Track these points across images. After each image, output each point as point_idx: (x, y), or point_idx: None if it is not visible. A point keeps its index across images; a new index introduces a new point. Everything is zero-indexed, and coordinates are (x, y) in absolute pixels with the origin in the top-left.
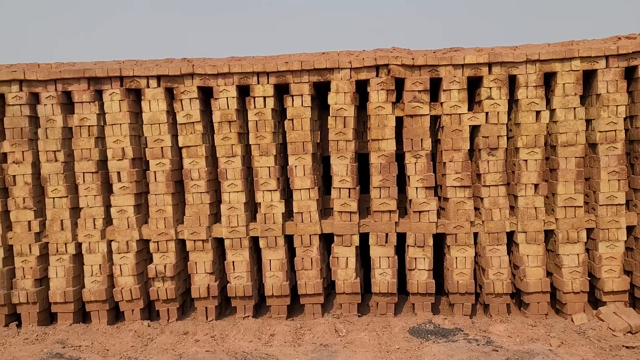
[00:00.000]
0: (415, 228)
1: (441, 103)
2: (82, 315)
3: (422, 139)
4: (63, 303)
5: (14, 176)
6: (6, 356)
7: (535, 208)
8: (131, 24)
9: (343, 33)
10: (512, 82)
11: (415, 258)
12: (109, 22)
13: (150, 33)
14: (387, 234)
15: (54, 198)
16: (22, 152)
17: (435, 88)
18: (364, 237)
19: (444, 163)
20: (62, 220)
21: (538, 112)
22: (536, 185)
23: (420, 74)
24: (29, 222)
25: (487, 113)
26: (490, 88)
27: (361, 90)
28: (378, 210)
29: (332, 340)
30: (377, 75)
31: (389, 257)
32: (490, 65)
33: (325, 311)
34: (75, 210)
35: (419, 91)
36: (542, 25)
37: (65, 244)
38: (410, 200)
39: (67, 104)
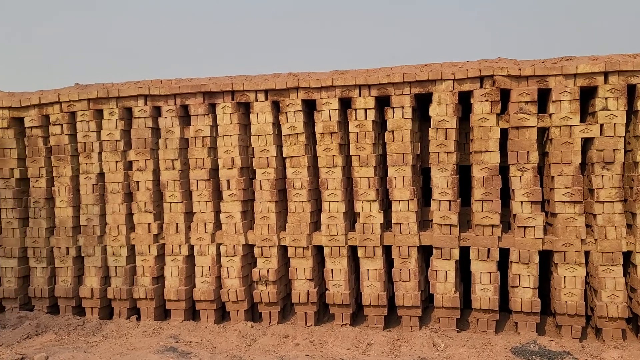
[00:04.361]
0: (519, 244)
1: (550, 114)
2: (192, 313)
3: (528, 152)
4: (176, 301)
5: (138, 182)
6: (128, 346)
7: None
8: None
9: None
10: (631, 92)
11: (519, 275)
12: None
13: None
14: (489, 249)
15: (170, 203)
16: (145, 160)
17: (542, 99)
18: (464, 251)
19: (552, 177)
20: (177, 224)
21: None
22: None
23: (527, 84)
24: (149, 224)
25: (601, 125)
26: (606, 98)
27: (463, 102)
28: (480, 224)
29: (429, 354)
30: (481, 87)
31: (490, 273)
32: (606, 74)
33: (422, 324)
34: (189, 215)
35: (526, 102)
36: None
37: (180, 245)
38: (515, 215)
39: (184, 117)
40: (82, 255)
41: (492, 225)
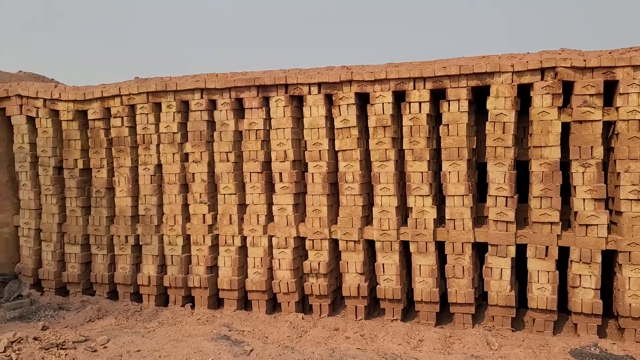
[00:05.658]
0: (580, 242)
1: (616, 108)
2: (244, 303)
3: (592, 147)
4: (229, 290)
5: (193, 174)
6: (183, 332)
7: None
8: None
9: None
10: None
11: (580, 275)
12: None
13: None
14: (547, 247)
15: (224, 195)
16: (201, 152)
17: (608, 91)
18: (520, 249)
19: (618, 173)
20: (230, 215)
21: None
22: None
23: (592, 76)
24: (204, 215)
25: None
26: None
27: (522, 95)
28: (538, 222)
29: (483, 353)
30: (542, 79)
31: (548, 272)
32: None
33: (475, 322)
34: (242, 207)
35: (591, 95)
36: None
37: (233, 236)
38: (576, 213)
39: (239, 110)
40: (140, 243)
41: (551, 223)
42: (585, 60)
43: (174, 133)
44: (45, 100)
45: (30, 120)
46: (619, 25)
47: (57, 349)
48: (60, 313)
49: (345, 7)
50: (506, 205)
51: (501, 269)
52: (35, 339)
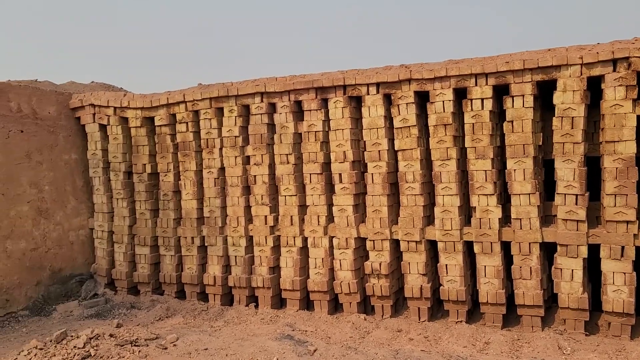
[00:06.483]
0: None
1: None
2: (306, 303)
3: None
4: (291, 290)
5: (255, 176)
6: (248, 332)
7: None
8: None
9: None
10: None
11: None
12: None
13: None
14: (623, 247)
15: (285, 196)
16: (262, 155)
17: None
18: (592, 249)
19: None
20: (291, 216)
21: None
22: None
23: None
24: (265, 216)
25: None
26: None
27: (591, 87)
28: (612, 220)
29: (554, 358)
30: (614, 70)
31: (625, 273)
32: None
33: (545, 325)
34: (303, 208)
35: None
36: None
37: (294, 237)
38: None
39: (298, 112)
40: (206, 244)
41: (627, 222)
42: None
43: (235, 137)
44: (115, 108)
45: (102, 127)
46: (619, 25)
47: (131, 346)
48: (132, 312)
49: (344, 8)
50: (576, 204)
51: (572, 270)
52: (111, 335)
